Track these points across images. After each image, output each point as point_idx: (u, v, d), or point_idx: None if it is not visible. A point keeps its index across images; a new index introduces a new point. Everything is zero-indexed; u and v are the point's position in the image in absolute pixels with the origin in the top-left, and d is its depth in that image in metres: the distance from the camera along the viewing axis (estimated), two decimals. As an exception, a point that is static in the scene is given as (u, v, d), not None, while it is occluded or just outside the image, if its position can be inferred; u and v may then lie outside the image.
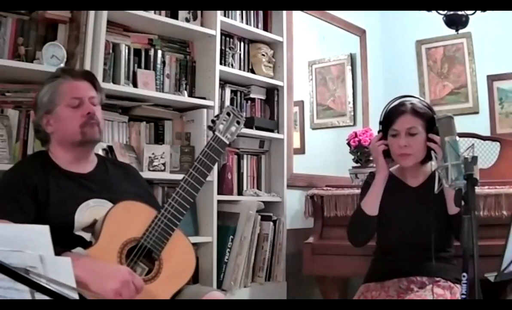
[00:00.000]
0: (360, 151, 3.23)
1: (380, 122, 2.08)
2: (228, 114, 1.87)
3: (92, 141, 1.80)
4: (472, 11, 3.26)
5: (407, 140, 1.97)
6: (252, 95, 3.09)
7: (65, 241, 1.51)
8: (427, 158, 2.03)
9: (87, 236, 1.65)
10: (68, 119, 1.72)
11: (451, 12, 3.28)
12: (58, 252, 1.00)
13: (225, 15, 2.89)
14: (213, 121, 1.86)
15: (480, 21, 3.47)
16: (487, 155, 3.00)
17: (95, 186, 1.75)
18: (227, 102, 2.94)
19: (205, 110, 2.69)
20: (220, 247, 2.70)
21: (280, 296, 2.94)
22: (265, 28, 3.17)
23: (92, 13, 2.25)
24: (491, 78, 3.83)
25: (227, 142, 1.85)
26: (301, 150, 3.56)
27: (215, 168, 2.46)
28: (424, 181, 2.05)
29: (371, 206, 2.05)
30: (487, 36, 3.79)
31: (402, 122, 1.99)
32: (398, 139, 1.99)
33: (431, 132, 1.95)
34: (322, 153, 3.70)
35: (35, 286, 0.87)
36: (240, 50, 3.05)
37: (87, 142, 1.77)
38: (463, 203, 1.46)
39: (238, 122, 1.89)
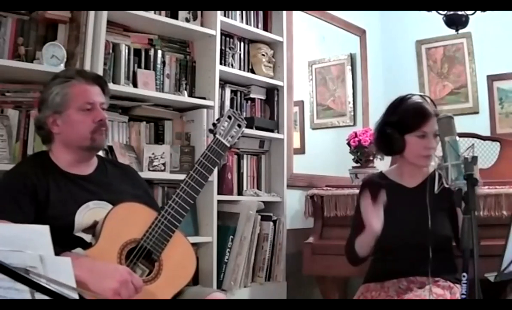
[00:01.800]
0: (360, 152, 3.23)
1: (397, 121, 2.03)
2: (229, 117, 1.87)
3: (100, 148, 1.82)
4: (472, 11, 3.26)
5: (435, 142, 1.99)
6: (252, 95, 3.09)
7: (65, 242, 1.52)
8: None
9: (87, 238, 1.65)
10: (79, 124, 1.72)
11: (451, 12, 3.28)
12: (57, 252, 1.00)
13: (225, 15, 2.89)
14: (214, 124, 1.86)
15: (480, 21, 3.47)
16: (487, 154, 3.00)
17: (95, 188, 1.75)
18: (227, 102, 2.95)
19: (205, 110, 2.69)
20: (220, 247, 2.70)
21: (280, 296, 2.94)
22: (265, 28, 3.17)
23: (92, 13, 2.25)
24: (491, 78, 3.83)
25: (228, 145, 1.85)
26: (301, 150, 3.56)
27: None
28: (423, 181, 2.05)
29: (363, 251, 2.01)
30: (487, 36, 3.79)
31: (430, 125, 1.99)
32: (427, 141, 1.99)
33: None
34: (322, 153, 3.70)
35: (35, 286, 0.87)
36: (240, 50, 3.05)
37: (94, 148, 1.78)
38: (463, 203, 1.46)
39: (239, 126, 1.89)
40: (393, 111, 2.08)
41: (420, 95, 2.10)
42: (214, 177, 2.64)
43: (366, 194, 1.96)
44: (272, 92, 3.16)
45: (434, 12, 3.31)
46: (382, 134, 2.09)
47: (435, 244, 1.87)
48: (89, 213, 1.67)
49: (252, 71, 3.10)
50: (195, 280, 2.52)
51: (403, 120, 2.04)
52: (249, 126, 2.81)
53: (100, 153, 1.94)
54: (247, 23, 3.06)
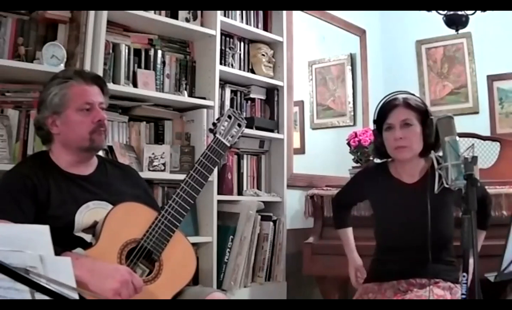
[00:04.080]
0: (360, 151, 3.23)
1: (374, 121, 2.08)
2: (230, 117, 1.87)
3: (99, 148, 1.82)
4: (472, 11, 3.27)
5: (402, 132, 1.96)
6: (252, 95, 3.10)
7: (65, 241, 1.52)
8: (423, 153, 2.02)
9: (87, 237, 1.64)
10: (78, 124, 1.71)
11: (451, 12, 3.28)
12: (57, 252, 1.00)
13: (225, 15, 2.89)
14: (214, 124, 1.86)
15: (480, 21, 3.47)
16: (487, 154, 3.01)
17: (95, 188, 1.74)
18: (227, 102, 2.95)
19: (205, 110, 2.69)
20: (220, 247, 2.70)
21: (280, 296, 2.94)
22: (265, 28, 3.17)
23: (92, 13, 2.25)
24: (491, 78, 3.83)
25: (228, 144, 1.85)
26: (301, 151, 3.57)
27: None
28: (421, 178, 2.02)
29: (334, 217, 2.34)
30: (487, 36, 3.80)
31: (395, 115, 1.98)
32: (393, 133, 1.98)
33: (425, 125, 1.95)
34: (322, 153, 3.71)
35: (35, 286, 0.87)
36: (240, 50, 3.05)
37: (93, 149, 1.77)
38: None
39: (239, 125, 1.88)
40: (374, 113, 2.10)
41: (397, 92, 2.09)
42: (214, 177, 2.64)
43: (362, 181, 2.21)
44: (272, 92, 3.16)
45: (434, 12, 3.31)
46: (374, 139, 2.15)
47: (435, 243, 1.86)
48: (89, 213, 1.67)
49: (252, 71, 3.10)
50: (195, 280, 2.53)
51: (376, 121, 2.08)
52: (249, 126, 2.81)
53: (100, 153, 1.94)
54: (247, 23, 3.06)
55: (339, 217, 2.31)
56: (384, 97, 2.08)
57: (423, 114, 1.98)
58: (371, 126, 3.62)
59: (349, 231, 2.26)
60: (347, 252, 2.24)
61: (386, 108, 2.02)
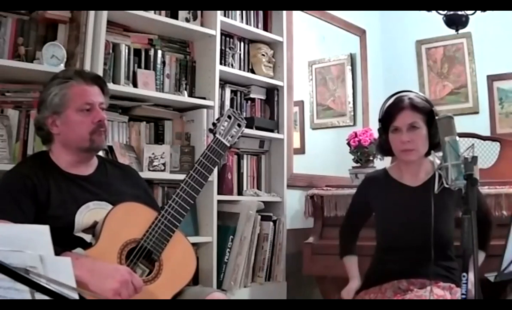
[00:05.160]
0: (360, 151, 3.23)
1: (380, 120, 2.08)
2: (229, 117, 1.87)
3: (99, 149, 1.82)
4: (472, 11, 3.27)
5: (408, 135, 1.97)
6: (252, 95, 3.10)
7: (65, 242, 1.52)
8: (428, 153, 2.02)
9: (87, 238, 1.65)
10: (78, 125, 1.71)
11: (451, 12, 3.28)
12: (57, 252, 1.00)
13: (225, 15, 2.89)
14: (214, 124, 1.86)
15: (480, 21, 3.47)
16: (487, 154, 3.01)
17: (95, 188, 1.75)
18: (227, 102, 2.95)
19: (205, 110, 2.69)
20: (220, 247, 2.70)
21: (280, 296, 2.94)
22: (265, 28, 3.17)
23: (92, 13, 2.25)
24: (491, 78, 3.83)
25: (228, 144, 1.85)
26: (301, 151, 3.57)
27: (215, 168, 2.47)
28: (425, 181, 2.03)
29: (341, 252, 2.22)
30: (487, 36, 3.80)
31: (402, 118, 1.98)
32: (399, 135, 1.99)
33: (432, 126, 1.95)
34: (322, 153, 3.71)
35: (35, 286, 0.87)
36: (240, 50, 3.05)
37: (93, 149, 1.77)
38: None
39: (239, 125, 1.89)
40: (380, 112, 2.09)
41: (403, 91, 2.09)
42: (214, 177, 2.64)
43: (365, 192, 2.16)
44: (272, 92, 3.16)
45: (434, 12, 3.31)
46: (378, 136, 2.13)
47: (435, 243, 1.86)
48: (89, 213, 1.67)
49: (252, 71, 3.10)
50: (195, 280, 2.53)
51: (381, 120, 2.07)
52: (249, 126, 2.81)
53: (100, 153, 1.94)
54: (247, 23, 3.06)
55: (346, 244, 2.22)
56: (391, 96, 2.07)
57: (429, 115, 1.98)
58: (371, 126, 3.64)
59: (355, 259, 2.17)
60: (350, 277, 2.14)
61: (393, 110, 2.02)
